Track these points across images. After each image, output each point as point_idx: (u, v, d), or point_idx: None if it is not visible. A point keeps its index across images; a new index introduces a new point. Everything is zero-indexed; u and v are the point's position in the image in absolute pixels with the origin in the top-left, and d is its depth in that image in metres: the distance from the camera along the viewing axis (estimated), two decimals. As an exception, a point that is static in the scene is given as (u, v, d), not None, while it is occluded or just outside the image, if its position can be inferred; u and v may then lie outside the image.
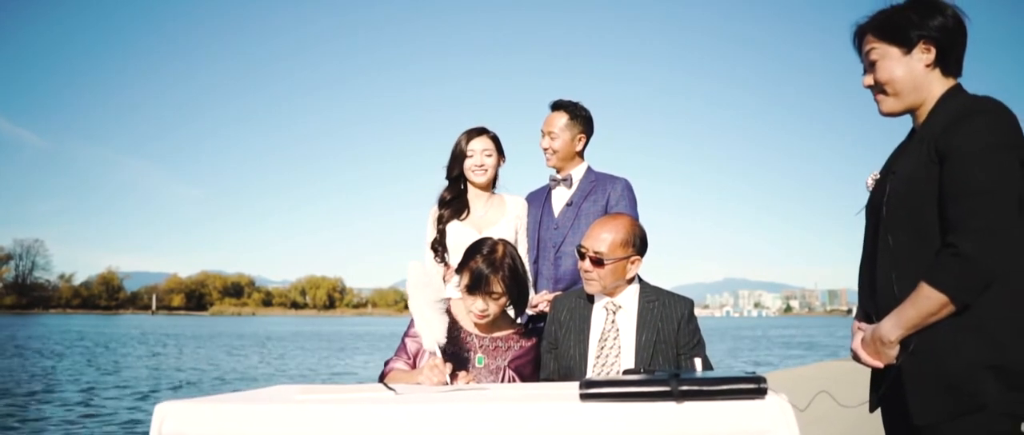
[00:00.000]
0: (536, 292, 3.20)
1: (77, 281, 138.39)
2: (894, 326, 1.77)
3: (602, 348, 2.57)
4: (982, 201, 1.66)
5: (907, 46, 1.86)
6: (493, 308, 2.47)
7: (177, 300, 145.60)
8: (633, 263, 2.58)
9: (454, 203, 3.23)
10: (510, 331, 2.60)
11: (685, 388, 1.62)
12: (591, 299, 2.65)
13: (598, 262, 2.53)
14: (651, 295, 2.61)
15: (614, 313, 2.60)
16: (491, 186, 3.29)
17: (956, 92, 1.85)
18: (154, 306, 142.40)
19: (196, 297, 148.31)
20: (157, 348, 27.25)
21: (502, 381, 2.48)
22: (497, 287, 2.43)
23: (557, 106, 3.34)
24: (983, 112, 1.72)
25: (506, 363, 2.51)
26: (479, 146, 3.19)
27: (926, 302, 1.70)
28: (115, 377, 15.65)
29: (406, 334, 2.59)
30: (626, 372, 1.87)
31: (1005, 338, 1.69)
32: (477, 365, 2.50)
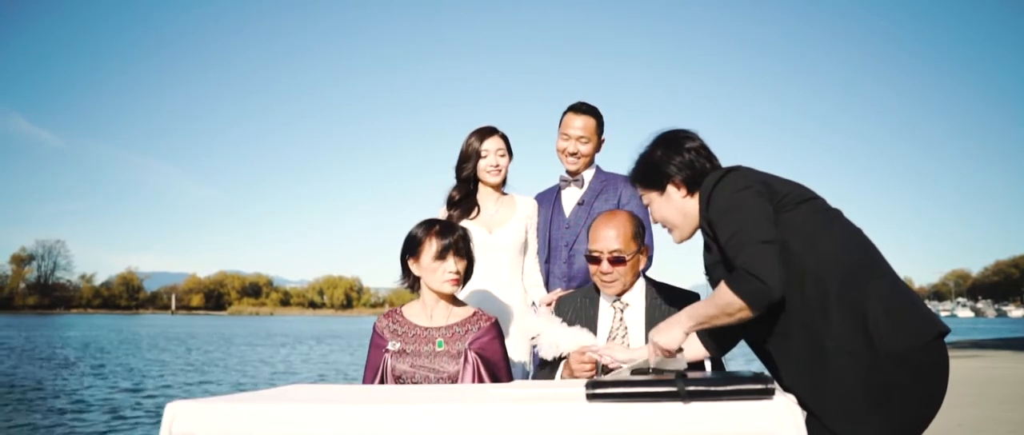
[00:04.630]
0: (547, 292, 3.20)
1: (98, 281, 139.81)
2: (690, 314, 1.98)
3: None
4: (743, 237, 1.85)
5: (661, 189, 2.10)
6: (462, 268, 2.53)
7: (196, 300, 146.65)
8: (645, 252, 2.58)
9: (464, 203, 3.22)
10: (468, 314, 2.60)
11: (692, 388, 1.61)
12: (596, 298, 2.63)
13: (618, 260, 2.50)
14: (658, 292, 2.59)
15: (622, 311, 2.58)
16: (501, 186, 3.28)
17: (707, 177, 2.03)
18: (173, 306, 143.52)
19: (215, 297, 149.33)
20: (177, 347, 27.48)
21: (464, 363, 2.47)
22: (461, 244, 2.53)
23: (586, 110, 3.32)
24: (714, 183, 1.96)
25: (466, 346, 2.50)
26: (493, 146, 3.17)
27: (721, 304, 1.88)
28: (128, 376, 15.80)
29: (372, 343, 2.60)
30: (633, 371, 1.86)
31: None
32: (437, 348, 2.51)
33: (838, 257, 1.85)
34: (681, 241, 2.13)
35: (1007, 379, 10.74)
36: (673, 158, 2.08)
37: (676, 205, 2.09)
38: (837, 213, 1.99)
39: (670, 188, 2.09)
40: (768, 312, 1.88)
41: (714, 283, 2.01)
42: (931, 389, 1.80)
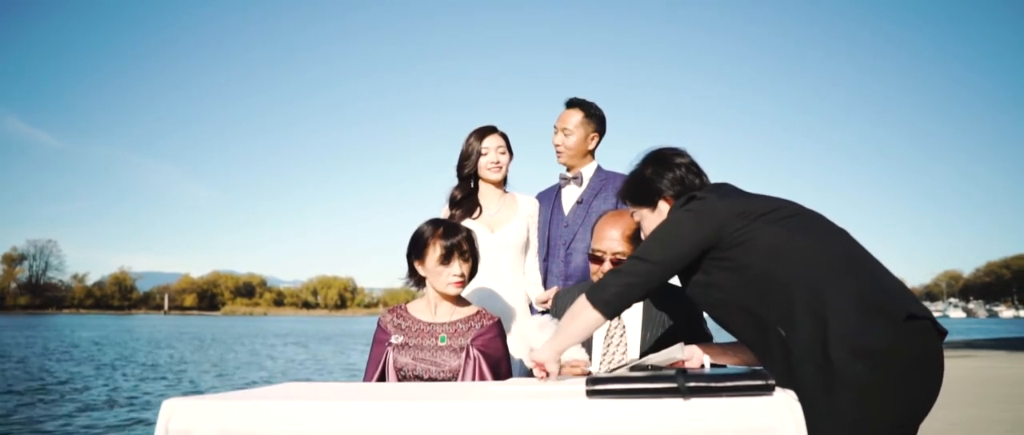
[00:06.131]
0: (545, 290, 3.19)
1: (90, 281, 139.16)
2: (555, 335, 2.11)
3: (608, 346, 2.54)
4: (638, 249, 2.04)
5: (652, 205, 2.17)
6: (467, 270, 2.53)
7: (189, 300, 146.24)
8: None
9: (465, 202, 3.20)
10: (471, 312, 2.60)
11: (692, 384, 1.61)
12: None
13: (620, 263, 2.47)
14: (657, 291, 2.56)
15: (620, 310, 2.56)
16: (502, 184, 3.27)
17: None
18: (166, 306, 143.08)
19: (208, 297, 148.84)
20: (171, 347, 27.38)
21: (466, 359, 2.48)
22: (466, 246, 2.52)
23: (572, 103, 3.34)
24: (679, 205, 2.04)
25: (469, 342, 2.50)
26: (493, 144, 3.17)
27: (575, 305, 2.07)
28: (123, 375, 15.75)
29: (375, 338, 2.59)
30: (632, 368, 1.85)
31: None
32: (440, 343, 2.51)
33: (807, 264, 1.85)
34: None
35: (1001, 379, 10.79)
36: (664, 175, 2.14)
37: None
38: (812, 217, 1.98)
39: (661, 204, 2.15)
40: (751, 325, 1.91)
41: (704, 306, 2.10)
42: (916, 382, 1.76)
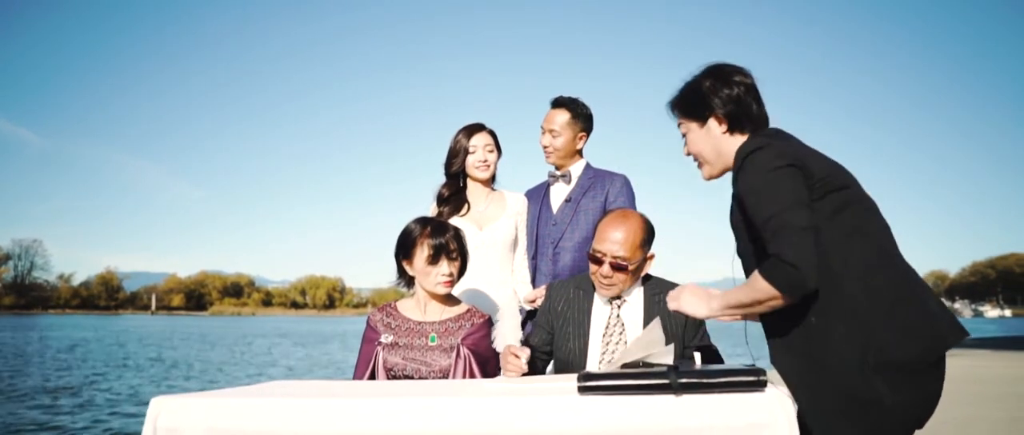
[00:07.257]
0: (533, 288, 3.18)
1: (76, 281, 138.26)
2: (723, 296, 1.93)
3: (607, 343, 2.52)
4: (778, 222, 1.73)
5: (702, 120, 2.00)
6: (455, 269, 2.52)
7: (177, 300, 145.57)
8: (650, 260, 2.52)
9: (453, 199, 3.19)
10: (462, 311, 2.59)
11: (684, 381, 1.61)
12: (591, 292, 2.58)
13: (620, 267, 2.42)
14: (656, 288, 2.54)
15: (619, 307, 2.53)
16: (491, 182, 3.25)
17: (743, 144, 1.92)
18: (153, 306, 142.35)
19: (196, 297, 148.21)
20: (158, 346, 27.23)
21: (457, 358, 2.47)
22: (453, 245, 2.50)
23: (559, 103, 3.32)
24: (748, 154, 1.84)
25: (459, 341, 2.49)
26: (481, 142, 3.15)
27: (755, 291, 1.77)
28: (113, 374, 15.66)
29: (365, 337, 2.58)
30: (624, 365, 1.85)
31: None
32: (430, 343, 2.50)
33: (864, 262, 1.76)
34: (709, 178, 2.06)
35: (989, 378, 10.86)
36: (720, 90, 1.96)
37: (713, 141, 1.99)
38: (872, 208, 1.88)
39: (711, 121, 1.98)
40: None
41: (747, 271, 1.94)
42: (932, 393, 1.76)
